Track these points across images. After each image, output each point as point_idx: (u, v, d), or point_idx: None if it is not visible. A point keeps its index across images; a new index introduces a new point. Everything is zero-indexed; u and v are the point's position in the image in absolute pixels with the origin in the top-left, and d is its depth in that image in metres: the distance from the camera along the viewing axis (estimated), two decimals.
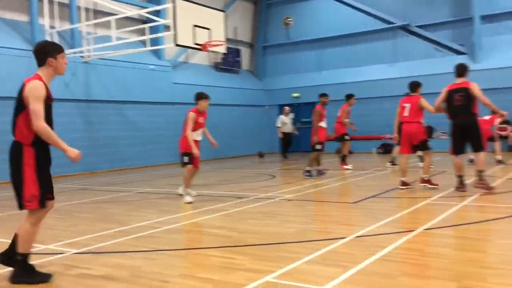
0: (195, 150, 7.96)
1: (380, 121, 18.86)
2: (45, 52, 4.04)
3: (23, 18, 14.11)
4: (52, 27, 14.32)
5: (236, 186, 10.33)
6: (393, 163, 12.80)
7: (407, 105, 8.76)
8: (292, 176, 12.17)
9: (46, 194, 3.99)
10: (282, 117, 17.97)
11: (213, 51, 13.49)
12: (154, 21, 14.52)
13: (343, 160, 13.04)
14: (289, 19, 23.01)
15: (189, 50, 17.49)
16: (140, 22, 16.62)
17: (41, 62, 4.05)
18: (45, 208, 4.02)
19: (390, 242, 4.80)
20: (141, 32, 15.82)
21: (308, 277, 3.84)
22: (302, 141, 22.15)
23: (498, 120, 12.74)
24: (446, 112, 8.21)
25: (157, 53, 17.58)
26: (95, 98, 15.22)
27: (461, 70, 8.09)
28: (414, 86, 8.94)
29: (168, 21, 13.05)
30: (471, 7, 18.45)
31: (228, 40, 17.37)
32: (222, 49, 13.91)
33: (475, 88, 7.78)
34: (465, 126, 7.92)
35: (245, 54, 23.42)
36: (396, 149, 12.32)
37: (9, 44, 13.11)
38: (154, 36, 14.35)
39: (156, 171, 15.17)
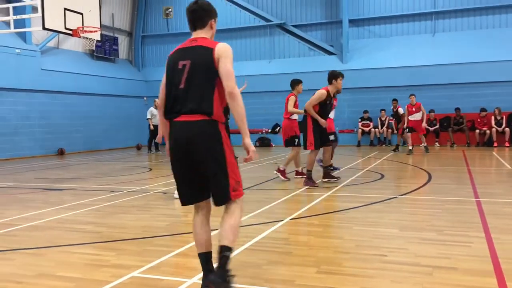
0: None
1: (258, 115, 19.45)
2: (211, 11, 3.31)
3: None
4: None
5: (110, 180, 9.95)
6: None
7: (285, 102, 9.21)
8: (169, 169, 12.02)
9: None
10: (152, 109, 17.54)
11: (86, 37, 12.75)
12: (20, 0, 13.32)
13: None
14: (170, 10, 22.64)
15: (61, 35, 16.37)
16: (4, 1, 15.15)
17: (202, 23, 3.29)
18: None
19: (259, 232, 4.99)
20: (5, 11, 14.41)
21: (177, 270, 3.85)
22: None
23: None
24: None
25: (23, 36, 16.17)
26: None
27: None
28: (292, 83, 9.39)
29: (35, 2, 12.03)
30: (340, 11, 19.85)
31: (104, 27, 16.61)
32: (96, 36, 13.21)
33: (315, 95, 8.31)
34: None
35: (123, 43, 22.57)
36: None
37: None
38: (19, 17, 13.11)
39: (22, 163, 13.99)
